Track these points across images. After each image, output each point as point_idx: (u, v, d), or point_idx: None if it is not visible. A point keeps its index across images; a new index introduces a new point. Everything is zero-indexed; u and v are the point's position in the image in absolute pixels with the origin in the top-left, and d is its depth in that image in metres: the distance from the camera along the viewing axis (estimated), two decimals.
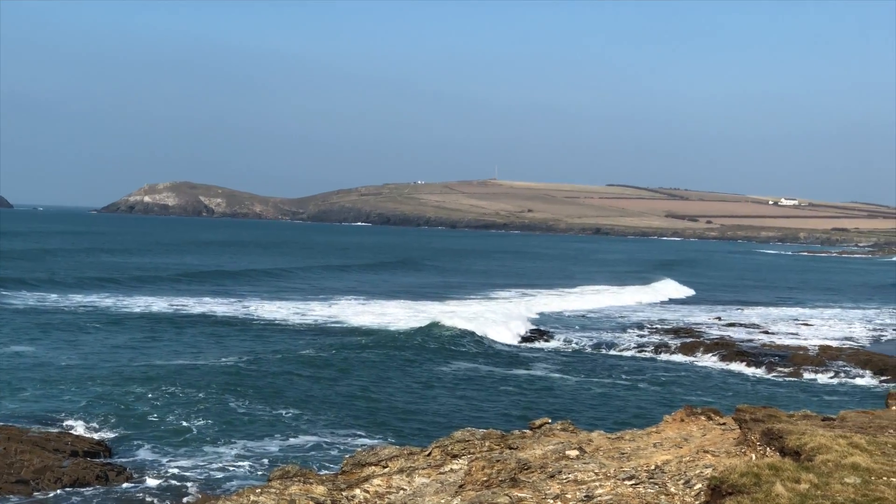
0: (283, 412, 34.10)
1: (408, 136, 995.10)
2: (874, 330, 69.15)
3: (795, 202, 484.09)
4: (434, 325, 58.96)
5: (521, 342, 56.71)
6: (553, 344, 56.64)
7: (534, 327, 62.25)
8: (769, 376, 48.41)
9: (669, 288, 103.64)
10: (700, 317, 74.54)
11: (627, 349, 55.42)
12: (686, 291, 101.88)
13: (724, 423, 18.78)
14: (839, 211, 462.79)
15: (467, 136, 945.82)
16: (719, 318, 72.54)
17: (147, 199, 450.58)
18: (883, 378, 47.55)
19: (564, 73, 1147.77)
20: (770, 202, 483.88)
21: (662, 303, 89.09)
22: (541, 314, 71.04)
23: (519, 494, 14.91)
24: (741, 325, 68.96)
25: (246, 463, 27.55)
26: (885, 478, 12.29)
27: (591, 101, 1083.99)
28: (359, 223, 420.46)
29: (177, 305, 65.91)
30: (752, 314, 78.18)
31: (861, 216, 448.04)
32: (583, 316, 72.53)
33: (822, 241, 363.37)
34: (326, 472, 23.61)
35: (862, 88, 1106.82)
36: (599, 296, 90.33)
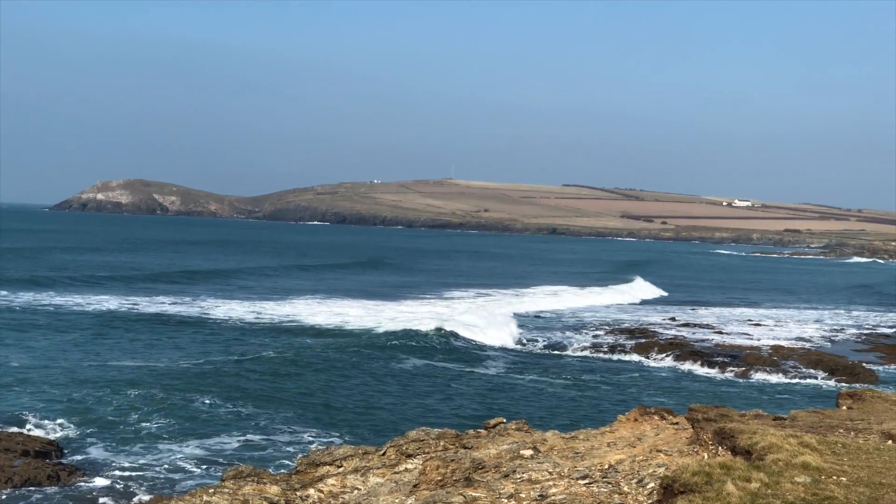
0: (240, 411, 33.94)
1: (364, 134, 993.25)
2: (826, 330, 69.88)
3: (749, 203, 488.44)
4: (391, 325, 58.90)
5: (478, 341, 56.76)
6: (510, 343, 56.76)
7: (492, 327, 62.30)
8: (722, 376, 48.83)
9: (642, 288, 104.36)
10: (655, 317, 75.03)
11: (583, 349, 55.64)
12: (658, 292, 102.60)
13: (677, 423, 18.93)
14: (791, 212, 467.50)
15: (424, 136, 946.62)
16: (674, 319, 73.02)
17: (100, 196, 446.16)
18: (833, 378, 48.11)
19: (520, 73, 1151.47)
20: (724, 203, 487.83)
21: (635, 304, 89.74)
22: (499, 314, 71.13)
23: (473, 494, 14.94)
24: (696, 325, 69.47)
25: (200, 462, 27.39)
26: (834, 477, 12.45)
27: (547, 101, 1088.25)
28: (315, 222, 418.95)
29: (129, 304, 65.32)
30: (708, 314, 78.83)
31: (813, 217, 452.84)
32: (538, 316, 72.75)
33: (774, 242, 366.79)
34: (281, 471, 23.52)
35: (813, 91, 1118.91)
36: (559, 296, 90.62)
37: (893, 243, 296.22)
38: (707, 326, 68.77)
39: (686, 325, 69.37)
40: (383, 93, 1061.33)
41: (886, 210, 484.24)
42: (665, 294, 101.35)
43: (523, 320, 68.27)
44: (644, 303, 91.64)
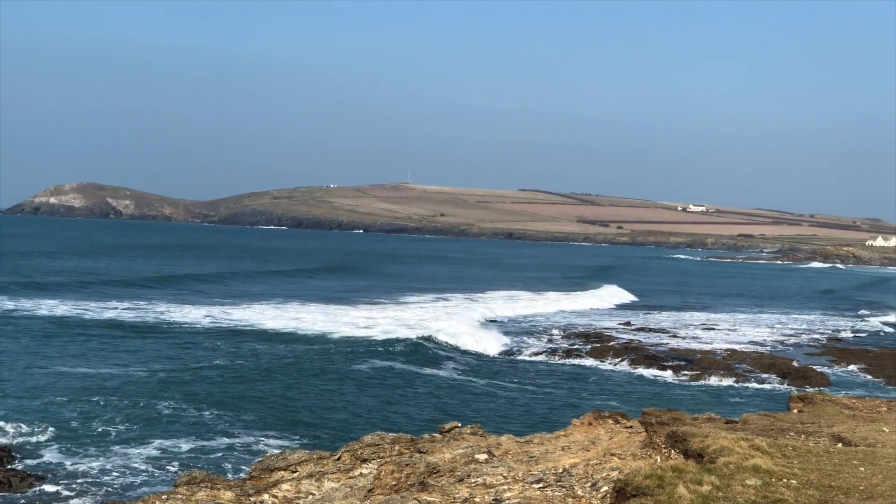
0: (195, 416, 33.73)
1: (320, 139, 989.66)
2: (779, 335, 70.60)
3: (703, 208, 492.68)
4: (348, 329, 58.79)
5: (435, 345, 56.77)
6: (467, 347, 56.79)
7: (450, 331, 62.32)
8: (676, 380, 49.19)
9: (614, 294, 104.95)
10: (614, 321, 75.46)
11: (539, 354, 55.84)
12: (629, 296, 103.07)
13: (630, 427, 19.04)
14: (745, 217, 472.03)
15: (380, 140, 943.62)
16: (629, 323, 73.45)
17: (53, 200, 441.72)
18: (786, 381, 48.62)
19: (476, 77, 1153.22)
20: (679, 208, 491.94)
21: (610, 308, 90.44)
22: (456, 318, 71.19)
23: (428, 498, 14.96)
24: (651, 329, 69.92)
25: (155, 468, 27.19)
26: (784, 479, 12.58)
27: (503, 105, 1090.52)
28: (271, 227, 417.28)
29: (81, 310, 64.64)
30: (667, 318, 79.40)
31: (766, 222, 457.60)
32: (494, 321, 72.89)
33: (728, 247, 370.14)
34: (236, 477, 23.41)
35: (767, 97, 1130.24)
36: (517, 301, 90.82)
37: (845, 248, 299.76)
38: (662, 330, 69.26)
39: (641, 329, 69.82)
40: (339, 97, 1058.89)
41: (838, 215, 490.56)
42: (636, 299, 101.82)
43: (481, 324, 68.38)
44: (621, 307, 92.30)
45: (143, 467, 27.19)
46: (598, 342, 60.28)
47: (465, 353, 55.29)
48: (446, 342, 57.66)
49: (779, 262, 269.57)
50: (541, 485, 15.28)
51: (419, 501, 14.74)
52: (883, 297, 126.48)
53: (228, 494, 17.62)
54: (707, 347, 59.76)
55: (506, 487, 15.31)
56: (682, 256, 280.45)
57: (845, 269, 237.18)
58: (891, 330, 79.12)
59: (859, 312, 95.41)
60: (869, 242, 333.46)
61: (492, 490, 15.26)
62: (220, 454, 29.00)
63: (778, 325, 78.06)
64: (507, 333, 64.26)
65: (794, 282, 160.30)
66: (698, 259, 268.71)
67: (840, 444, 15.40)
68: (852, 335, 73.15)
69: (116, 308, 66.65)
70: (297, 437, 31.47)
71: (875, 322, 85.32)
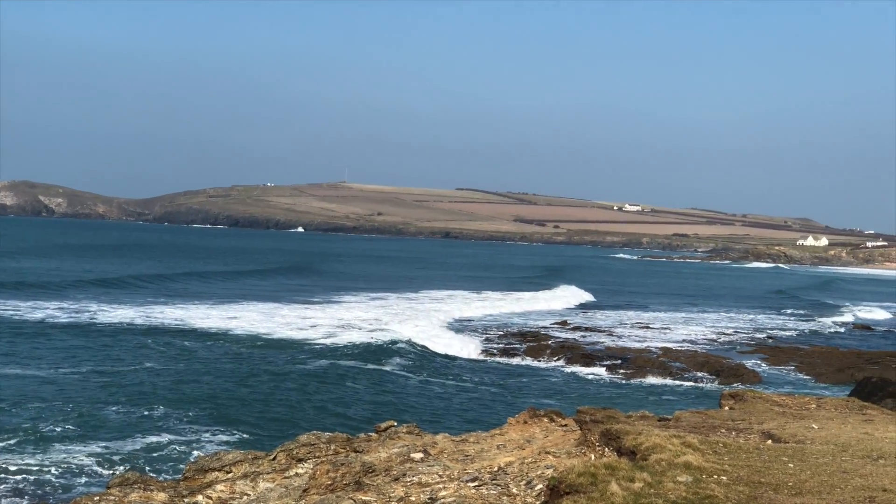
0: (130, 416, 33.33)
1: (257, 137, 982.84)
2: (712, 333, 71.52)
3: (639, 208, 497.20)
4: (285, 329, 58.46)
5: (373, 344, 56.64)
6: (405, 347, 56.73)
7: (390, 329, 62.24)
8: (612, 378, 49.60)
9: (574, 294, 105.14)
10: (548, 320, 75.91)
11: (476, 353, 56.00)
12: (587, 296, 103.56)
13: (565, 425, 19.18)
14: (680, 217, 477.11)
15: (317, 139, 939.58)
16: (565, 323, 73.89)
17: None
18: (718, 379, 49.25)
19: (411, 76, 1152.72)
20: (615, 208, 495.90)
21: (573, 308, 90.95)
22: (395, 316, 71.16)
23: (363, 498, 14.95)
24: (588, 328, 70.44)
25: (90, 468, 26.84)
26: (715, 476, 12.77)
27: (438, 105, 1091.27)
28: (207, 225, 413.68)
29: (12, 310, 63.58)
30: (606, 317, 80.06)
31: (700, 222, 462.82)
32: (434, 320, 72.87)
33: (663, 247, 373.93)
34: (170, 478, 23.20)
35: (695, 97, 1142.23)
36: (457, 301, 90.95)
37: (777, 247, 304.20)
38: (598, 329, 69.79)
39: (578, 328, 70.29)
40: (277, 95, 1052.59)
41: (770, 215, 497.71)
42: (594, 298, 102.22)
43: (419, 323, 68.35)
44: (583, 306, 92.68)
45: (73, 470, 26.79)
46: (534, 341, 60.58)
47: (405, 351, 55.20)
48: (386, 341, 57.56)
49: (717, 261, 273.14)
50: (476, 483, 15.34)
51: (354, 501, 14.73)
52: (824, 295, 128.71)
53: (161, 496, 17.47)
54: (643, 346, 60.37)
55: (441, 486, 15.35)
56: (625, 256, 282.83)
57: (789, 269, 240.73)
58: (833, 330, 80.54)
59: (796, 312, 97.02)
60: (800, 242, 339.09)
61: (427, 489, 15.29)
62: (155, 455, 28.70)
63: (714, 324, 79.15)
64: (446, 331, 64.29)
65: (736, 281, 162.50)
66: (635, 258, 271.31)
67: (770, 441, 15.64)
68: (789, 333, 74.33)
69: (47, 308, 65.61)
70: (235, 438, 31.25)
71: (825, 322, 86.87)
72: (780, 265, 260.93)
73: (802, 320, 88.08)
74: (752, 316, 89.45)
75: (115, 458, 28.11)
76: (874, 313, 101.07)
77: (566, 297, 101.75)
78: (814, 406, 19.81)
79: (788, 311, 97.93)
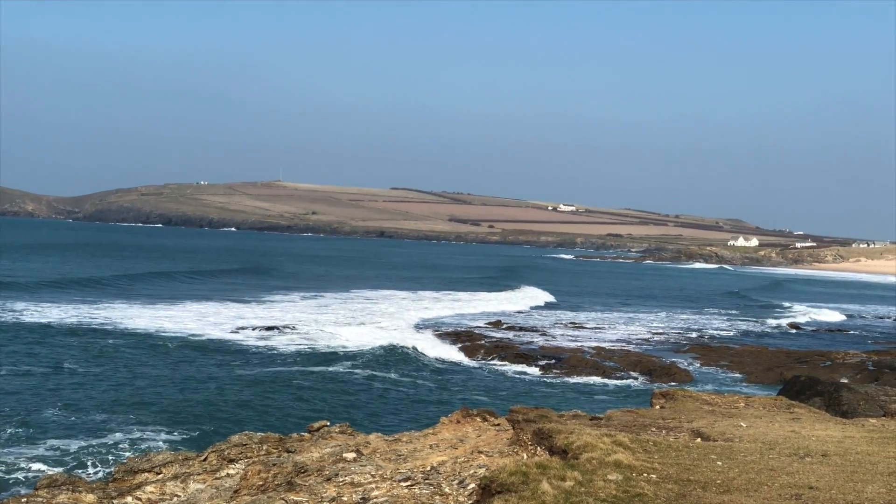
0: (59, 418, 32.83)
1: (190, 135, 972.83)
2: (646, 333, 72.18)
3: (573, 208, 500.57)
4: (215, 330, 57.96)
5: (310, 344, 56.36)
6: (338, 348, 56.49)
7: (327, 331, 61.96)
8: (545, 378, 49.82)
9: (535, 294, 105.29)
10: (481, 320, 76.08)
11: (412, 352, 55.87)
12: (548, 297, 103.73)
13: (498, 424, 19.25)
14: (613, 217, 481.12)
15: (250, 137, 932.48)
16: (500, 323, 74.10)
17: None
18: (650, 378, 49.73)
19: (345, 74, 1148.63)
20: (549, 208, 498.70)
21: (540, 307, 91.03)
22: (328, 316, 70.89)
23: (295, 498, 14.88)
24: (522, 328, 70.73)
25: (15, 471, 26.39)
26: (645, 474, 12.89)
27: (373, 103, 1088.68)
28: (139, 224, 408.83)
29: None
30: (536, 316, 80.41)
31: (633, 222, 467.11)
32: (363, 323, 72.69)
33: (597, 246, 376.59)
34: (99, 479, 22.90)
35: (628, 99, 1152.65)
36: (391, 301, 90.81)
37: (708, 248, 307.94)
38: (534, 329, 70.11)
39: (511, 328, 70.57)
40: (208, 92, 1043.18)
41: (702, 216, 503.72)
42: (554, 299, 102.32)
43: (351, 325, 68.13)
44: (550, 306, 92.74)
45: (10, 468, 26.37)
46: (468, 340, 60.70)
47: (338, 352, 54.95)
48: (324, 343, 57.30)
49: (652, 261, 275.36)
50: (409, 483, 15.34)
51: (286, 501, 14.66)
52: (773, 296, 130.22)
53: (90, 497, 17.23)
54: (577, 345, 60.76)
55: (374, 486, 15.33)
56: (565, 256, 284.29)
57: (734, 270, 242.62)
58: (764, 329, 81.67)
59: (743, 313, 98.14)
60: (731, 242, 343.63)
61: (360, 489, 15.26)
62: (85, 456, 28.29)
63: (635, 322, 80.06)
64: (378, 332, 64.11)
65: (679, 282, 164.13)
66: (571, 257, 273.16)
67: (699, 439, 15.82)
68: (724, 333, 75.25)
69: None
70: (166, 438, 30.90)
71: (770, 322, 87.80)
72: (726, 266, 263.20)
73: (740, 320, 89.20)
74: (686, 316, 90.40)
75: (39, 459, 27.66)
76: (822, 314, 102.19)
77: (534, 297, 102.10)
78: (742, 405, 20.08)
79: (734, 311, 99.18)
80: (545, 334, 67.21)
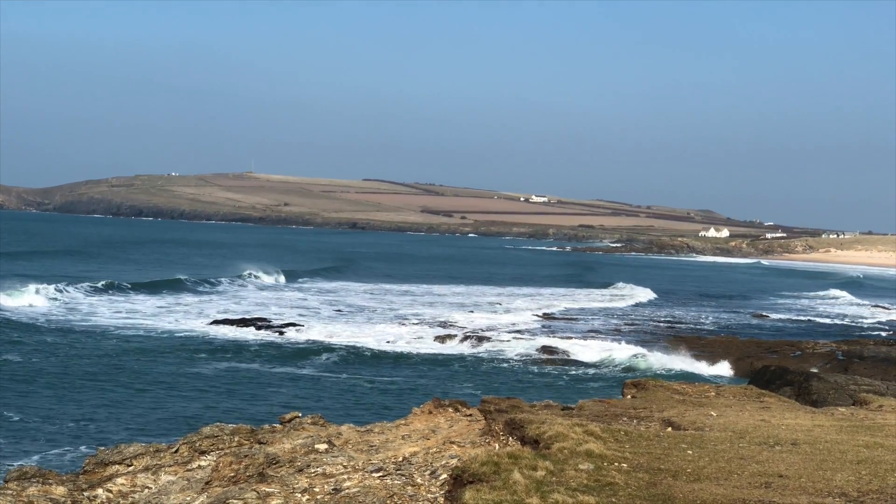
0: (29, 411, 32.65)
1: (160, 126, 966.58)
2: (621, 324, 72.50)
3: (545, 199, 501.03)
4: (184, 323, 57.82)
5: (279, 338, 56.25)
6: (315, 338, 56.38)
7: (296, 323, 61.84)
8: (517, 367, 49.89)
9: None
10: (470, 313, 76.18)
11: (385, 343, 55.90)
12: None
13: (470, 415, 19.26)
14: (585, 208, 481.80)
15: (222, 128, 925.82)
16: (472, 312, 74.19)
17: None
18: (622, 367, 50.00)
19: (316, 66, 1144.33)
20: (521, 199, 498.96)
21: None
22: (307, 309, 70.81)
23: (267, 489, 14.85)
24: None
25: None
26: (616, 463, 12.95)
27: (345, 95, 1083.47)
28: (109, 215, 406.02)
29: None
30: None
31: (605, 213, 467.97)
32: (339, 311, 72.68)
33: (570, 237, 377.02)
34: (70, 471, 22.78)
35: (600, 89, 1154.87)
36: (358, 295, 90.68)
37: (680, 239, 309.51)
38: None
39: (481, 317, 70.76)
40: (179, 83, 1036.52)
41: (673, 207, 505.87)
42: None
43: (319, 314, 68.08)
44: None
45: None
46: (441, 329, 60.98)
47: (316, 343, 54.80)
48: (292, 335, 57.19)
49: (618, 253, 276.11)
50: (381, 474, 15.34)
51: (258, 493, 14.62)
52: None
53: (61, 489, 17.12)
54: (556, 337, 60.98)
55: (346, 477, 15.32)
56: (556, 249, 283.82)
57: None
58: (738, 321, 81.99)
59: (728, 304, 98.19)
60: (702, 233, 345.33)
61: (332, 480, 15.25)
62: (57, 450, 28.18)
63: (614, 313, 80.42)
64: (350, 323, 64.07)
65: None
66: (554, 249, 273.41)
67: (670, 429, 15.90)
68: (699, 325, 75.58)
69: None
70: (140, 432, 30.77)
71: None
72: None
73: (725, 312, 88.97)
74: (665, 311, 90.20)
75: (12, 453, 27.52)
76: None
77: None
78: (713, 394, 20.19)
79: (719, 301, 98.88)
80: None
